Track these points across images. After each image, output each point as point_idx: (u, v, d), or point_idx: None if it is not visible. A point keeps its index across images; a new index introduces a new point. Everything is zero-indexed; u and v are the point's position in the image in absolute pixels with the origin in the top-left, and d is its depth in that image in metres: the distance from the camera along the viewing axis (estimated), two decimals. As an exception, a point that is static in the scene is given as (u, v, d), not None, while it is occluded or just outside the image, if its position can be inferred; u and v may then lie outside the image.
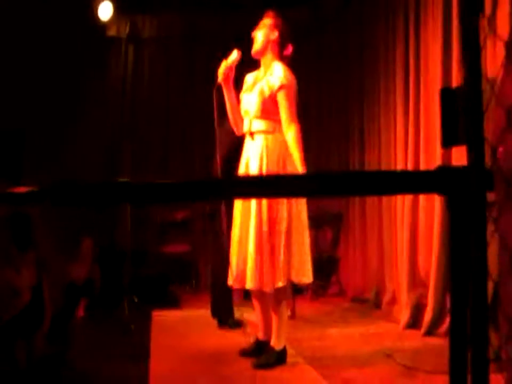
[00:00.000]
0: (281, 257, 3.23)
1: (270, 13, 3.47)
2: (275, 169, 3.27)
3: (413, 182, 1.20)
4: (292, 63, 3.47)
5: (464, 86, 1.17)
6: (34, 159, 5.45)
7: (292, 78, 3.35)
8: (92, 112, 6.15)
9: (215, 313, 4.39)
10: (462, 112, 1.19)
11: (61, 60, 5.65)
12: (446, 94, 1.27)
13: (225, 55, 3.45)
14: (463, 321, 1.19)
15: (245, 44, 3.46)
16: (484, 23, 1.11)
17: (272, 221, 3.24)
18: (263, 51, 3.42)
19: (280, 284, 3.24)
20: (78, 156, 5.88)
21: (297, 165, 3.27)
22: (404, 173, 1.43)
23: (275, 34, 3.40)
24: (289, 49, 3.46)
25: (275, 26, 3.42)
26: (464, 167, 1.17)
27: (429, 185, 1.21)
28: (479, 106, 1.15)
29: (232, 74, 3.43)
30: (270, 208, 3.24)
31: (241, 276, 3.31)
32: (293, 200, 3.27)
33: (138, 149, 6.37)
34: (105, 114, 6.44)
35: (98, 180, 1.26)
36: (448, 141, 1.23)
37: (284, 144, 3.33)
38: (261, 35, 3.41)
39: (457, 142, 1.21)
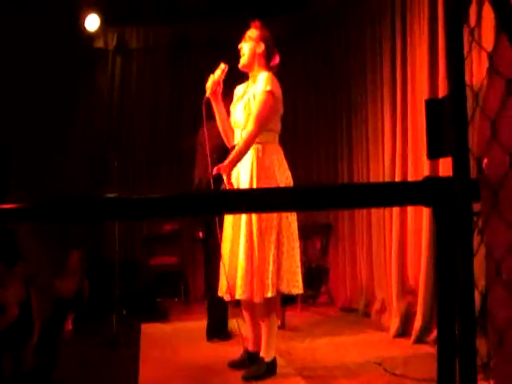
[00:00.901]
0: (271, 267, 3.23)
1: (255, 24, 3.47)
2: (266, 181, 3.26)
3: (399, 193, 1.20)
4: (279, 74, 3.48)
5: (449, 96, 1.18)
6: (21, 173, 5.42)
7: (276, 86, 3.33)
8: (79, 123, 6.13)
9: (212, 331, 4.30)
10: (447, 123, 1.20)
11: (48, 71, 5.63)
12: (431, 105, 1.27)
13: (212, 68, 3.45)
14: (450, 330, 1.19)
15: (233, 54, 3.47)
16: (468, 34, 1.13)
17: (262, 232, 3.24)
18: (250, 64, 3.42)
19: (269, 294, 3.23)
20: (65, 168, 5.85)
21: (231, 156, 3.22)
22: (390, 185, 1.44)
23: (261, 47, 3.40)
24: (276, 60, 3.47)
25: (261, 38, 3.41)
26: (449, 178, 1.18)
27: (415, 197, 1.21)
28: (463, 116, 1.16)
29: (220, 88, 3.42)
30: (259, 218, 3.24)
31: (232, 287, 3.30)
32: (283, 213, 3.27)
33: (125, 160, 6.37)
34: (93, 126, 6.43)
35: (86, 194, 1.25)
36: (433, 153, 1.23)
37: (276, 154, 3.33)
38: (247, 48, 3.40)
39: (442, 153, 1.22)
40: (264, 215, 3.24)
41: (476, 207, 1.22)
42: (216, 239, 3.73)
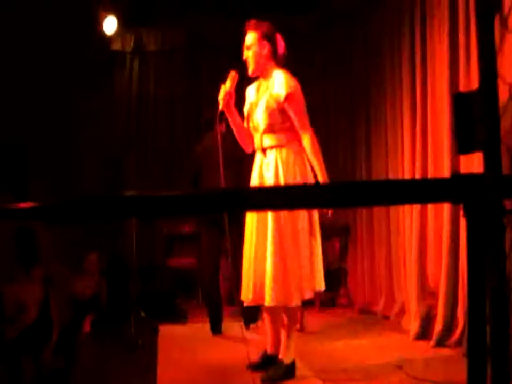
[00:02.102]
0: (307, 269, 3.20)
1: (250, 26, 3.34)
2: (293, 181, 3.20)
3: (428, 190, 1.17)
4: (296, 70, 3.42)
5: (479, 89, 1.14)
6: (39, 173, 5.45)
7: (295, 83, 3.27)
8: (97, 125, 6.16)
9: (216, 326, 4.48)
10: (477, 118, 1.17)
11: (67, 73, 5.66)
12: (460, 99, 1.24)
13: (224, 78, 3.35)
14: (481, 334, 1.15)
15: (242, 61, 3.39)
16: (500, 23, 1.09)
17: (295, 234, 3.18)
18: (260, 69, 3.33)
19: (307, 296, 3.23)
20: (83, 170, 5.88)
21: (318, 174, 3.21)
22: (419, 181, 1.40)
23: (266, 47, 3.30)
24: (281, 48, 3.36)
25: (262, 38, 3.30)
26: (480, 174, 1.14)
27: (445, 193, 1.18)
28: (495, 111, 1.12)
29: (233, 99, 3.32)
30: (289, 220, 3.17)
31: (259, 293, 3.23)
32: (312, 211, 3.23)
33: (143, 162, 6.39)
34: (111, 128, 6.46)
35: (104, 194, 1.23)
36: (463, 148, 1.20)
37: (299, 156, 3.27)
38: (252, 54, 3.31)
39: (473, 148, 1.18)
40: (293, 218, 3.18)
41: (508, 204, 1.18)
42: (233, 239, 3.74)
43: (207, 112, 4.55)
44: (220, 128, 3.43)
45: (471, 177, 1.16)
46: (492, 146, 1.13)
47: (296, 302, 3.20)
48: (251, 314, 4.48)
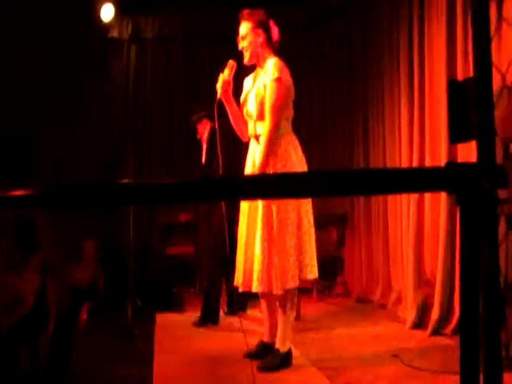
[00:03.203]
0: (292, 258, 3.19)
1: (244, 16, 3.34)
2: (281, 171, 3.21)
3: (421, 179, 1.16)
4: (293, 60, 3.40)
5: (473, 77, 1.13)
6: (37, 161, 5.44)
7: (285, 71, 3.27)
8: (94, 113, 6.13)
9: (206, 316, 4.49)
10: (470, 106, 1.16)
11: (63, 61, 5.63)
12: (454, 86, 1.22)
13: (227, 58, 3.38)
14: (473, 321, 1.15)
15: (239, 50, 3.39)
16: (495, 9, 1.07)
17: (282, 223, 3.19)
18: (256, 57, 3.34)
19: (291, 285, 3.20)
20: (80, 157, 5.86)
21: (260, 155, 3.21)
22: (412, 170, 1.39)
23: (261, 35, 3.31)
24: (275, 34, 3.36)
25: (256, 26, 3.30)
26: (474, 164, 1.13)
27: (438, 183, 1.17)
28: (489, 99, 1.11)
29: (231, 87, 3.34)
30: (278, 209, 3.19)
31: (248, 278, 3.27)
32: (301, 200, 3.22)
33: (141, 150, 6.36)
34: (108, 115, 6.43)
35: (101, 181, 1.22)
36: (456, 137, 1.19)
37: (291, 144, 3.28)
38: (248, 44, 3.31)
39: (466, 137, 1.17)
40: (282, 206, 3.19)
41: (501, 194, 1.17)
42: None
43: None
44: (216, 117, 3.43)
45: (464, 166, 1.15)
46: (486, 135, 1.12)
47: (277, 290, 3.19)
48: (240, 302, 4.56)
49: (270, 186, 1.18)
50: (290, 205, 3.20)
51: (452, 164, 1.18)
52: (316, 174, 1.07)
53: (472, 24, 1.15)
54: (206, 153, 4.68)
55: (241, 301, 4.61)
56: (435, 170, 1.18)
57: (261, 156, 3.21)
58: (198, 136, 4.86)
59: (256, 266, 3.21)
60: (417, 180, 1.16)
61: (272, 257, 3.19)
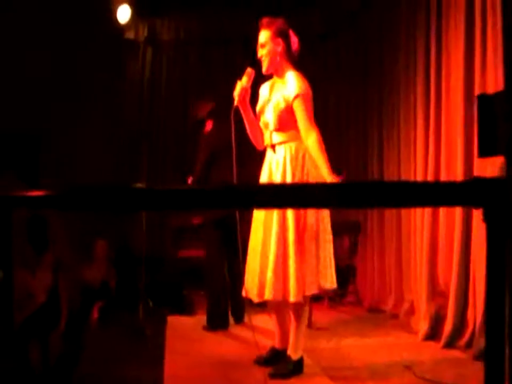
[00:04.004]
0: (311, 266, 3.17)
1: (263, 24, 3.32)
2: (299, 179, 3.20)
3: (447, 193, 1.14)
4: (309, 68, 3.38)
5: (503, 91, 1.11)
6: (51, 162, 5.46)
7: (306, 85, 3.27)
8: (109, 114, 6.15)
9: (215, 321, 4.45)
10: (500, 120, 1.14)
11: (79, 62, 5.66)
12: (483, 100, 1.21)
13: (240, 74, 3.32)
14: (500, 341, 1.12)
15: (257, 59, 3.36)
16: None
17: (301, 229, 3.16)
18: (274, 67, 3.33)
19: (309, 292, 3.19)
20: (95, 159, 5.88)
21: (323, 172, 3.14)
22: (439, 184, 1.37)
23: (280, 44, 3.29)
24: (295, 44, 3.35)
25: (276, 35, 3.29)
26: (502, 179, 1.11)
27: (464, 198, 1.15)
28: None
29: (248, 95, 3.31)
30: (297, 215, 3.16)
31: (262, 287, 3.22)
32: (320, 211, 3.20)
33: (155, 152, 6.37)
34: (122, 117, 6.45)
35: (115, 184, 1.22)
36: (485, 151, 1.17)
37: (308, 152, 3.26)
38: (267, 52, 3.29)
39: (495, 151, 1.15)
40: (301, 212, 3.16)
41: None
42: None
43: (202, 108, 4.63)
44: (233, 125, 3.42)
45: (492, 181, 1.13)
46: (515, 150, 1.10)
47: (296, 298, 3.15)
48: (238, 311, 4.53)
49: (286, 196, 1.17)
50: (308, 211, 3.17)
51: (478, 179, 1.16)
52: (343, 185, 1.05)
53: (504, 37, 1.13)
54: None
55: (241, 309, 4.56)
56: (463, 185, 1.16)
57: (323, 166, 3.14)
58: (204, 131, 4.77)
59: (270, 274, 3.16)
60: (445, 194, 1.14)
61: (287, 265, 3.15)
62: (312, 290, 3.20)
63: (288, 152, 3.25)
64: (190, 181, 4.54)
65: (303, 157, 3.25)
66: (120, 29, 6.31)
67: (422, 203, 1.38)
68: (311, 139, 3.19)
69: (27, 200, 1.34)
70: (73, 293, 3.55)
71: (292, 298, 3.16)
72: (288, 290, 3.16)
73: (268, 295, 3.19)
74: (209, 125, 4.71)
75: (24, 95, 5.20)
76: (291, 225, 3.16)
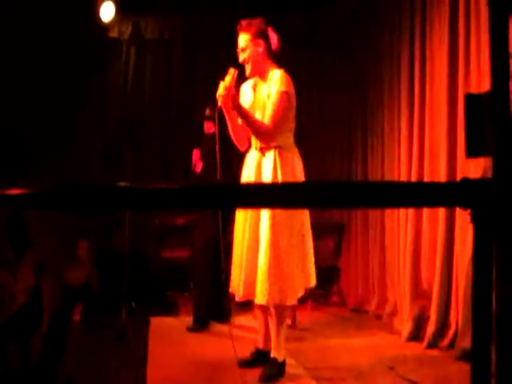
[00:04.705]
0: (298, 269, 3.18)
1: (242, 27, 3.26)
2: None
3: (436, 194, 1.13)
4: (293, 70, 3.37)
5: (491, 91, 1.10)
6: (34, 160, 5.39)
7: (289, 83, 3.24)
8: (93, 113, 6.09)
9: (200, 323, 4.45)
10: (488, 120, 1.13)
11: (62, 60, 5.59)
12: (471, 100, 1.20)
13: (223, 73, 3.27)
14: (486, 346, 1.12)
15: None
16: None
17: (290, 233, 3.16)
18: (258, 69, 3.29)
19: (301, 294, 3.22)
20: (78, 157, 5.82)
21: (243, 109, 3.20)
22: (426, 185, 1.37)
23: (261, 45, 3.25)
24: (275, 42, 3.31)
25: (256, 37, 3.24)
26: (490, 180, 1.11)
27: (452, 198, 1.14)
28: (506, 113, 1.09)
29: (233, 94, 3.24)
30: (286, 219, 3.15)
31: (250, 288, 3.21)
32: (303, 210, 3.20)
33: (138, 151, 6.32)
34: (106, 116, 6.39)
35: (98, 183, 1.19)
36: (473, 151, 1.16)
37: (296, 155, 3.28)
38: (248, 56, 3.26)
39: (482, 152, 1.15)
40: (288, 216, 3.15)
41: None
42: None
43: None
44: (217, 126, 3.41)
45: (480, 182, 1.12)
46: (503, 150, 1.10)
47: (291, 301, 3.19)
48: (224, 311, 4.51)
49: (270, 195, 1.15)
50: (294, 213, 3.17)
51: (467, 180, 1.15)
52: (329, 184, 1.04)
53: (490, 37, 1.12)
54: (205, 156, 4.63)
55: (226, 309, 4.56)
56: (450, 186, 1.15)
57: (241, 108, 3.18)
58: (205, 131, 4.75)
59: (262, 278, 3.13)
60: (432, 194, 1.13)
61: (282, 269, 3.13)
62: (302, 292, 3.25)
63: (278, 156, 3.23)
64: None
65: (292, 162, 3.25)
66: (104, 27, 6.25)
67: (411, 203, 1.37)
68: (265, 125, 3.19)
69: (7, 199, 1.30)
70: (56, 293, 3.50)
71: (287, 302, 3.19)
72: (283, 295, 3.14)
73: (260, 299, 3.16)
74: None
75: (7, 91, 5.13)
76: (280, 228, 3.14)
